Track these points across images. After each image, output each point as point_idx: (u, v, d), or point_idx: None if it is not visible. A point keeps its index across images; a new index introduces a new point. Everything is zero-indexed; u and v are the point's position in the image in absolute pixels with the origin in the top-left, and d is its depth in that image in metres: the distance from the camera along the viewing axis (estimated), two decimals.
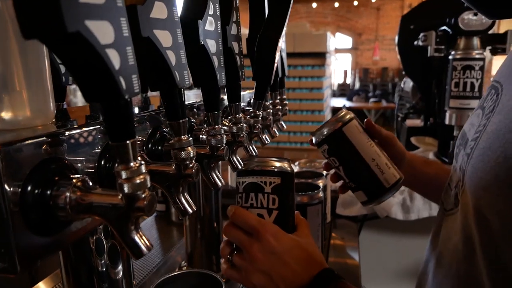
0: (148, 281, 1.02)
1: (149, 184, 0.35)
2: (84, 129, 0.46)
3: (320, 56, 4.21)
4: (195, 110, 0.77)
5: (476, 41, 1.40)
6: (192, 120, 0.71)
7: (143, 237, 0.38)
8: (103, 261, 0.58)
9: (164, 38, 0.40)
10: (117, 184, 0.35)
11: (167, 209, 1.37)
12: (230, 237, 0.57)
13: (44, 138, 0.40)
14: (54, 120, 0.47)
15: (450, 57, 1.42)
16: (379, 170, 0.68)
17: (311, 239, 0.59)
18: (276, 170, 0.58)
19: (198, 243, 1.00)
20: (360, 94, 7.48)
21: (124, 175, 0.34)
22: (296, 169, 1.31)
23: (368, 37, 9.15)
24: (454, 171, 0.63)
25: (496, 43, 1.43)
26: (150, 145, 0.58)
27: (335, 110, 6.40)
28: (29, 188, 0.37)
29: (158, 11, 0.40)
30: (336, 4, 8.90)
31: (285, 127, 1.04)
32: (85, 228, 0.45)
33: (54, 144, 0.42)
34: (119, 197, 0.36)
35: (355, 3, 8.84)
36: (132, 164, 0.34)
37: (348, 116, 0.69)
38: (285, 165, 0.59)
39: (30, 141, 0.39)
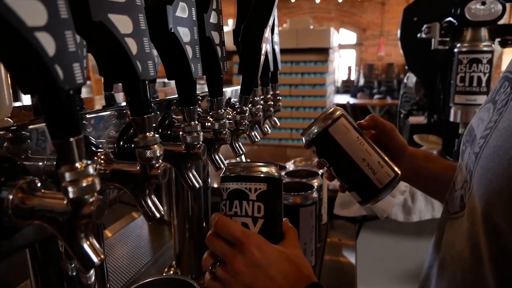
0: (136, 281, 0.98)
1: (98, 187, 0.31)
2: (41, 125, 0.42)
3: (323, 52, 4.17)
4: None
5: (484, 32, 1.33)
6: (173, 116, 0.67)
7: (94, 246, 0.34)
8: (73, 265, 0.55)
9: (122, 23, 0.36)
10: (61, 187, 0.31)
11: None
12: (213, 248, 0.53)
13: None
14: (9, 115, 0.44)
15: (456, 50, 1.35)
16: (370, 171, 0.63)
17: (298, 250, 0.54)
18: (262, 175, 0.53)
19: (186, 243, 0.97)
20: (365, 91, 7.40)
21: (68, 177, 0.30)
22: (291, 167, 1.27)
23: (373, 33, 9.06)
24: (460, 170, 0.59)
25: (506, 35, 1.35)
26: (122, 143, 0.54)
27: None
28: None
29: None
30: None
31: (278, 124, 1.00)
32: (40, 233, 0.42)
33: (5, 140, 0.38)
34: (65, 202, 0.32)
35: None
36: (77, 164, 0.30)
37: (335, 114, 0.64)
38: (272, 170, 0.54)
39: None
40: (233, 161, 1.36)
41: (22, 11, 0.24)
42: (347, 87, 8.39)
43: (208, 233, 0.54)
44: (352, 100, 6.94)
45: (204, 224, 0.96)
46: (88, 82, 3.87)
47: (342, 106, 6.62)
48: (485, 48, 1.30)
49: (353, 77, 9.09)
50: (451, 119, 1.38)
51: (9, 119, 0.45)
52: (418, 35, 1.48)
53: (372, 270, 1.37)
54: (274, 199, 0.54)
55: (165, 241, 1.20)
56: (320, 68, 4.23)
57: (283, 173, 1.11)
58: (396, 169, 0.65)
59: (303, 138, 0.68)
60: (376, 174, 0.63)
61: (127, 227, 1.28)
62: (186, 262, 0.98)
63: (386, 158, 0.66)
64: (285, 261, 0.50)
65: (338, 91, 8.06)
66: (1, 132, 0.39)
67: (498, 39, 1.35)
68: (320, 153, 0.67)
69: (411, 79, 1.85)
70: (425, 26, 1.42)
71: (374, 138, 0.69)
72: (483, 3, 1.26)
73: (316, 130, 0.65)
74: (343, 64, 9.28)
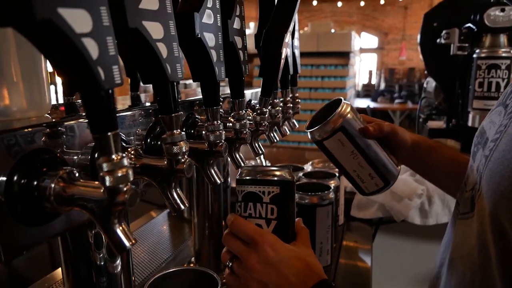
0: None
1: (131, 177, 0.35)
2: (76, 121, 0.46)
3: (344, 56, 4.18)
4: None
5: (503, 38, 1.34)
6: (196, 116, 0.70)
7: (127, 231, 0.37)
8: (101, 255, 0.58)
9: (154, 29, 0.40)
10: (98, 177, 0.34)
11: None
12: (229, 246, 0.57)
13: (34, 128, 0.41)
14: (49, 112, 0.48)
15: (475, 55, 1.36)
16: (359, 180, 0.70)
17: (310, 249, 0.57)
18: (275, 179, 0.56)
19: (206, 241, 1.00)
20: (385, 95, 7.34)
21: (105, 167, 0.33)
22: (309, 168, 1.29)
23: (395, 37, 8.98)
24: (471, 172, 0.60)
25: None
26: (149, 140, 0.58)
27: (359, 111, 6.30)
28: (15, 178, 0.37)
29: (149, 2, 0.39)
30: (362, 3, 8.77)
31: (297, 125, 1.02)
32: (76, 220, 0.45)
33: (44, 135, 0.42)
34: (102, 190, 0.35)
35: (382, 1, 8.69)
36: (114, 156, 0.34)
37: (336, 125, 0.65)
38: (285, 173, 0.58)
39: (19, 131, 0.39)
40: (252, 162, 1.39)
41: (72, 19, 0.28)
42: (367, 91, 8.33)
43: (225, 233, 0.58)
44: (372, 104, 6.90)
45: (224, 223, 0.99)
46: None
47: (362, 110, 6.62)
48: (503, 54, 1.30)
49: (374, 81, 9.02)
50: (469, 123, 1.39)
51: (48, 115, 0.49)
52: (438, 40, 1.49)
53: (388, 273, 1.38)
54: (287, 202, 0.57)
55: (184, 239, 1.24)
56: (340, 71, 4.23)
57: (300, 174, 1.14)
58: (386, 179, 0.70)
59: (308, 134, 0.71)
60: (365, 183, 0.70)
61: (148, 225, 1.32)
62: (205, 258, 1.01)
63: (384, 167, 0.69)
64: (296, 259, 0.54)
65: (358, 95, 8.03)
66: (41, 128, 0.43)
67: None
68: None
69: (430, 83, 1.85)
70: (444, 31, 1.43)
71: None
72: (502, 10, 1.27)
73: (315, 137, 0.68)
74: (364, 68, 9.23)
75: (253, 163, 1.39)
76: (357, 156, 0.67)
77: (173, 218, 1.37)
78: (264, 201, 0.56)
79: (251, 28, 5.09)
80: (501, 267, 0.46)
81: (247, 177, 0.57)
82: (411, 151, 0.75)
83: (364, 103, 6.99)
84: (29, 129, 0.40)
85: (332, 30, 4.65)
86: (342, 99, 0.69)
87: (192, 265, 1.02)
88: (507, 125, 0.50)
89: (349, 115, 0.66)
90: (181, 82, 1.43)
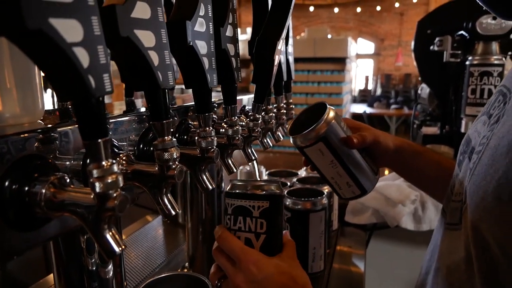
0: None
1: (121, 183, 0.35)
2: (68, 127, 0.46)
3: (340, 61, 4.20)
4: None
5: (495, 46, 1.36)
6: (189, 122, 0.71)
7: (116, 236, 0.38)
8: (93, 260, 0.59)
9: (146, 38, 0.40)
10: (89, 183, 0.35)
11: None
12: (218, 262, 0.59)
13: (26, 135, 0.41)
14: (42, 118, 0.48)
15: (467, 62, 1.38)
16: (337, 186, 0.71)
17: (295, 261, 0.59)
18: (264, 193, 0.58)
19: (199, 246, 1.00)
20: (382, 101, 7.38)
21: (95, 173, 0.34)
22: (303, 174, 1.30)
23: (391, 43, 9.04)
24: (458, 182, 0.59)
25: None
26: (141, 146, 0.58)
27: (355, 116, 6.30)
28: (6, 183, 0.38)
29: (140, 11, 0.40)
30: (359, 9, 8.83)
31: None
32: (68, 225, 0.46)
33: (37, 141, 0.42)
34: (92, 196, 0.36)
35: (378, 8, 8.76)
36: (104, 163, 0.34)
37: (319, 133, 0.65)
38: (274, 187, 0.59)
39: (11, 137, 0.39)
40: (247, 167, 1.40)
41: (63, 29, 0.29)
42: (364, 96, 8.37)
43: (214, 247, 0.60)
44: (368, 110, 6.93)
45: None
46: None
47: (358, 115, 6.63)
48: (495, 62, 1.32)
49: (370, 86, 9.06)
50: (462, 130, 1.40)
51: (40, 121, 0.49)
52: (431, 47, 1.50)
53: (381, 278, 1.38)
54: (276, 216, 0.59)
55: (179, 243, 1.24)
56: (336, 77, 4.25)
57: (294, 179, 1.14)
58: (368, 185, 0.71)
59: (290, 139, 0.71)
60: (342, 190, 0.72)
61: (142, 230, 1.32)
62: (198, 263, 1.01)
63: (362, 176, 0.70)
64: (280, 274, 0.55)
65: (355, 100, 8.06)
66: (34, 133, 0.43)
67: (509, 53, 1.37)
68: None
69: (424, 90, 1.86)
70: (437, 39, 1.45)
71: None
72: (494, 18, 1.29)
73: (296, 143, 0.69)
74: (361, 73, 9.28)
75: (248, 168, 1.39)
76: (336, 165, 0.68)
77: (168, 223, 1.38)
78: (254, 216, 0.57)
79: (248, 33, 5.11)
80: (484, 282, 0.46)
81: (237, 191, 0.58)
82: (395, 156, 0.75)
83: (360, 108, 7.03)
84: (22, 135, 0.41)
85: (329, 36, 4.69)
86: (327, 104, 0.68)
87: (185, 270, 1.02)
88: (489, 137, 0.49)
89: (333, 121, 0.66)
90: (177, 86, 1.43)
